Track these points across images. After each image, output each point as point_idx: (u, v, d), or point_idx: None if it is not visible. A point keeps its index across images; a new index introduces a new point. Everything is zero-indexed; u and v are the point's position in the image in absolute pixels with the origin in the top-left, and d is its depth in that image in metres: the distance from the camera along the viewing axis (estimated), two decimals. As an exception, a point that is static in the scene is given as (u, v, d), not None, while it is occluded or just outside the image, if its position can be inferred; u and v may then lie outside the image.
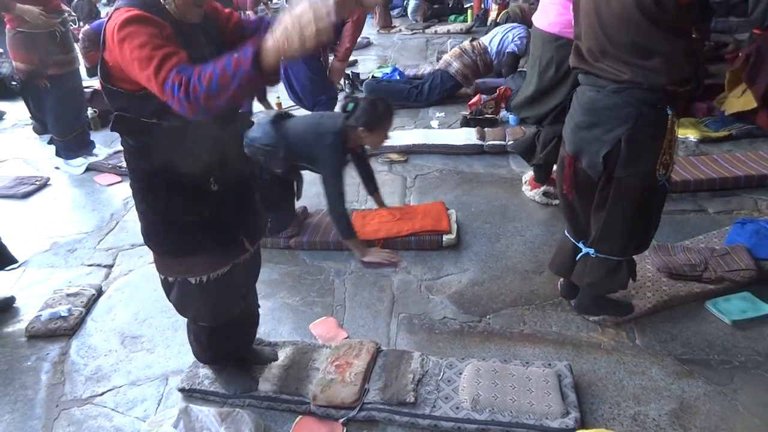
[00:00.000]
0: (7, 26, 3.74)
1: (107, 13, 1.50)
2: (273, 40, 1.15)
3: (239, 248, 1.73)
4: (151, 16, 1.33)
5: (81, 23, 8.26)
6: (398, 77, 5.60)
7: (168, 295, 1.78)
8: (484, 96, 4.69)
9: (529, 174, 3.48)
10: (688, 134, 3.91)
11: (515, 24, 5.33)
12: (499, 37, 5.12)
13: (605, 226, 2.03)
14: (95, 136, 4.56)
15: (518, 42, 5.01)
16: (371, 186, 3.08)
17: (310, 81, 3.68)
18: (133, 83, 1.37)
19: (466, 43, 5.25)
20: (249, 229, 1.76)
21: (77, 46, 4.73)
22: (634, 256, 2.16)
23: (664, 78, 1.75)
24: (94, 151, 4.34)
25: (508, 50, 5.03)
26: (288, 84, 3.79)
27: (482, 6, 8.68)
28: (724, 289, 2.38)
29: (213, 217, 1.61)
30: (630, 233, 2.03)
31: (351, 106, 2.62)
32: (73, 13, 6.50)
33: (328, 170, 2.65)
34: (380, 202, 3.15)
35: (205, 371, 2.11)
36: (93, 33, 6.75)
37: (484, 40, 5.23)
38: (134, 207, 3.69)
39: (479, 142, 4.02)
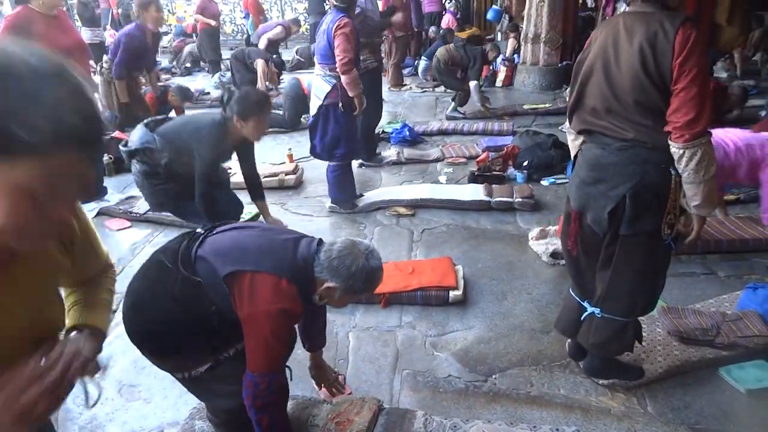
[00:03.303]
0: None
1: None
2: None
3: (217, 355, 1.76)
4: (296, 310, 1.57)
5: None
6: (408, 133, 5.72)
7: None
8: (492, 153, 4.76)
9: (536, 230, 3.48)
10: (696, 196, 3.91)
11: None
12: None
13: (610, 285, 2.01)
14: (108, 182, 4.65)
15: None
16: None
17: (334, 134, 3.79)
18: (233, 307, 1.57)
19: None
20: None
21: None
22: (641, 318, 2.12)
23: (666, 138, 1.78)
24: (106, 196, 4.40)
25: None
26: (312, 136, 3.89)
27: (491, 68, 8.96)
28: (737, 355, 2.32)
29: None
30: (635, 292, 2.00)
31: (225, 97, 2.83)
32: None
33: (201, 160, 2.82)
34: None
35: (201, 424, 2.04)
36: None
37: None
38: (141, 252, 3.69)
39: (487, 199, 4.04)
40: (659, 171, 1.82)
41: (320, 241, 1.72)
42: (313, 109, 3.81)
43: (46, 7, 3.71)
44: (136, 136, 2.99)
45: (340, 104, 3.69)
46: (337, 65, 3.60)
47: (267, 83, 8.32)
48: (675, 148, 1.76)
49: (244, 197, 4.49)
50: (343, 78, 3.62)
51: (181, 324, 1.62)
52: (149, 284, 1.68)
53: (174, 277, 1.59)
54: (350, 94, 3.68)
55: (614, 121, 1.86)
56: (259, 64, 8.12)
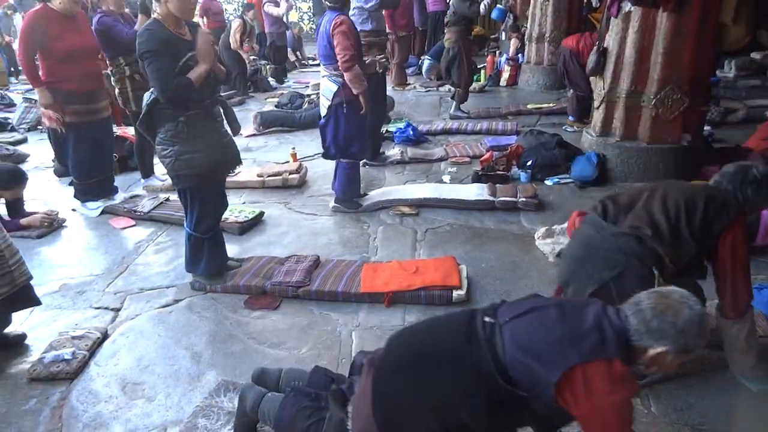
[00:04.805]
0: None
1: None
2: None
3: None
4: (636, 390, 1.44)
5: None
6: (411, 132, 5.72)
7: None
8: (495, 153, 4.76)
9: (542, 230, 3.47)
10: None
11: None
12: None
13: None
14: (113, 180, 4.67)
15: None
16: None
17: (347, 133, 3.77)
18: (553, 407, 1.42)
19: None
20: None
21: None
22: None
23: (665, 250, 1.92)
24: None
25: None
26: (324, 138, 3.87)
27: (495, 67, 8.96)
28: (741, 356, 2.31)
29: None
30: None
31: None
32: None
33: (146, 62, 2.56)
34: None
35: (204, 422, 2.05)
36: None
37: None
38: (145, 251, 3.70)
39: (490, 198, 4.03)
40: (643, 267, 1.92)
41: (606, 307, 1.52)
42: (323, 110, 3.80)
43: (64, 8, 3.80)
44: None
45: (344, 103, 3.68)
46: (339, 64, 3.61)
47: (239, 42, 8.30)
48: (728, 323, 2.08)
49: (236, 199, 4.51)
50: (345, 76, 3.60)
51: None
52: (449, 386, 1.50)
53: (490, 386, 1.45)
54: (354, 91, 3.65)
55: (640, 215, 2.00)
56: (235, 23, 8.21)
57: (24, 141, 6.48)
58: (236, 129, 3.01)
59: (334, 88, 3.68)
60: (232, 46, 8.25)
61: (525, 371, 1.43)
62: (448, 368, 1.51)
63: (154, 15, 2.65)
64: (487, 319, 1.56)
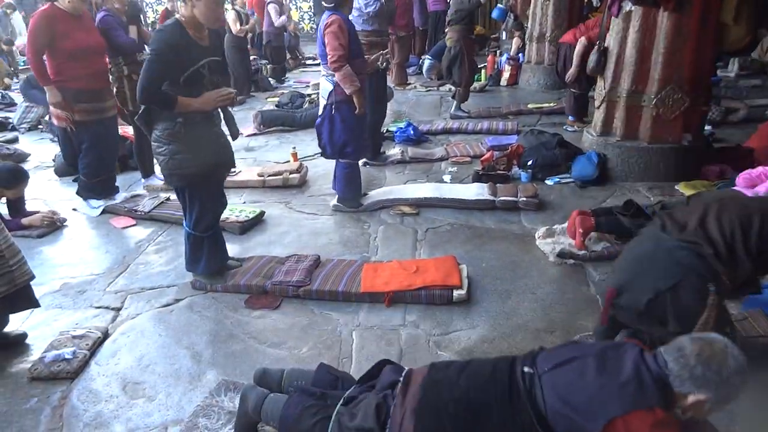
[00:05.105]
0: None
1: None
2: None
3: None
4: None
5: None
6: (412, 132, 5.72)
7: None
8: (496, 152, 4.75)
9: (542, 230, 3.47)
10: (701, 197, 3.90)
11: None
12: None
13: None
14: (114, 180, 4.67)
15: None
16: None
17: (342, 133, 3.75)
18: None
19: None
20: None
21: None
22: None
23: (723, 269, 1.92)
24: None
25: None
26: (320, 137, 3.88)
27: (495, 67, 8.95)
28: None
29: None
30: None
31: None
32: None
33: (148, 58, 2.56)
34: None
35: (204, 422, 2.06)
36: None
37: None
38: (146, 250, 3.70)
39: (491, 198, 4.03)
40: (699, 281, 1.92)
41: (644, 353, 1.52)
42: (320, 110, 3.83)
43: (72, 7, 3.85)
44: None
45: (338, 103, 3.68)
46: (328, 63, 3.62)
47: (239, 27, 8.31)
48: None
49: (236, 198, 4.51)
50: (336, 76, 3.60)
51: None
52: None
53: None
54: (347, 92, 3.62)
55: (697, 233, 2.00)
56: (229, 16, 8.22)
57: (15, 141, 6.44)
58: (235, 133, 3.00)
59: (330, 87, 3.68)
60: (240, 36, 8.28)
61: (565, 423, 1.44)
62: (492, 422, 1.53)
63: (177, 15, 2.66)
64: (526, 369, 1.57)
